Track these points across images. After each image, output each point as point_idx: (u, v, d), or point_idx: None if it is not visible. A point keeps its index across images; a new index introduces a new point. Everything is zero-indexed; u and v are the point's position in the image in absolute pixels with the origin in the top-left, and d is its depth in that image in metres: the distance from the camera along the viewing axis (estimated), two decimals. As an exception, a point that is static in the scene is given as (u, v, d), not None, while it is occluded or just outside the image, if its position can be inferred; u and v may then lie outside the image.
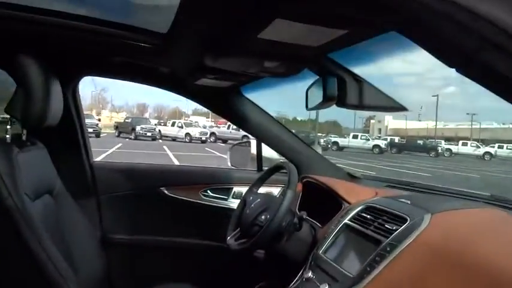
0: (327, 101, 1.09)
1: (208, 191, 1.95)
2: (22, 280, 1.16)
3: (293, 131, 2.06)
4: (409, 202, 1.10)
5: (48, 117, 1.24)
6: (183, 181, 1.97)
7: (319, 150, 2.12)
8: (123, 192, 1.91)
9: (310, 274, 1.15)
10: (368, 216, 1.13)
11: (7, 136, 1.25)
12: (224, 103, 1.86)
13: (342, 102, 1.08)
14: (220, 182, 1.98)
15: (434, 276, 0.82)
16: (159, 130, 24.57)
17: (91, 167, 1.87)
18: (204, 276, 1.92)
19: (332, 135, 31.25)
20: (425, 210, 0.99)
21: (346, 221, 1.19)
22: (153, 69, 1.69)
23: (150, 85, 1.88)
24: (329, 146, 26.05)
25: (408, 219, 0.98)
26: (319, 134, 28.29)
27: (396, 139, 31.90)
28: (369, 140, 28.37)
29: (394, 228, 0.99)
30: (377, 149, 26.27)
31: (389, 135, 36.66)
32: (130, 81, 1.91)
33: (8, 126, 1.25)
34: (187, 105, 56.82)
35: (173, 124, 25.79)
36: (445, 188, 1.52)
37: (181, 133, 23.78)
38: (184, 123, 26.32)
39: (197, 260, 1.91)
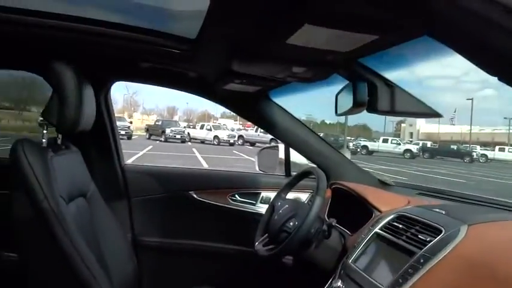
0: (357, 106, 1.07)
1: (236, 196, 1.96)
2: (56, 281, 1.20)
3: (321, 134, 2.04)
4: (443, 212, 1.06)
5: (81, 123, 1.28)
6: (212, 185, 1.99)
7: (348, 155, 2.08)
8: (153, 195, 1.94)
9: (339, 283, 1.12)
10: (400, 226, 1.09)
11: (43, 140, 1.29)
12: (252, 108, 1.86)
13: (372, 108, 1.05)
14: (248, 186, 1.98)
15: None
16: (188, 133, 24.93)
17: (122, 170, 1.92)
18: (232, 281, 1.92)
19: (361, 139, 30.76)
20: (461, 221, 0.96)
21: (376, 229, 1.16)
22: (182, 74, 1.71)
23: (179, 90, 1.90)
24: (358, 150, 25.61)
25: (443, 230, 0.94)
26: (348, 138, 27.88)
27: (428, 144, 30.96)
28: (399, 144, 27.72)
29: (428, 239, 0.95)
30: (408, 154, 25.62)
31: (421, 140, 35.62)
32: (159, 86, 1.94)
33: (45, 131, 1.29)
34: (215, 108, 57.39)
35: (202, 127, 26.14)
36: (482, 197, 1.45)
37: (209, 136, 24.04)
38: (212, 126, 26.61)
39: (225, 264, 1.92)
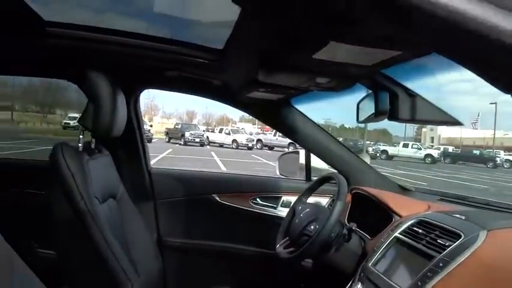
0: (378, 115, 1.10)
1: (258, 199, 2.00)
2: (91, 278, 1.27)
3: (340, 139, 2.05)
4: (463, 218, 1.08)
5: (114, 129, 1.36)
6: (234, 189, 2.04)
7: (367, 159, 2.10)
8: (178, 197, 2.00)
9: (359, 286, 1.15)
10: (420, 231, 1.11)
11: (79, 145, 1.37)
12: (274, 114, 1.90)
13: (394, 116, 1.08)
14: (269, 190, 2.02)
15: None
16: (207, 136, 25.03)
17: (149, 173, 1.99)
18: (252, 282, 1.96)
19: (381, 144, 30.32)
20: (481, 226, 0.97)
21: (396, 234, 1.18)
22: (207, 82, 1.77)
23: (204, 97, 1.96)
24: (378, 154, 25.20)
25: (462, 235, 0.96)
26: (368, 142, 27.53)
27: (450, 148, 30.25)
28: (420, 149, 27.18)
29: (447, 244, 0.97)
30: (429, 159, 25.10)
31: (442, 145, 34.85)
32: (184, 93, 2.01)
33: (81, 136, 1.37)
34: (234, 112, 57.54)
35: (221, 131, 26.17)
36: (504, 203, 1.46)
37: (228, 139, 24.06)
38: (231, 129, 26.64)
39: (245, 265, 1.96)
